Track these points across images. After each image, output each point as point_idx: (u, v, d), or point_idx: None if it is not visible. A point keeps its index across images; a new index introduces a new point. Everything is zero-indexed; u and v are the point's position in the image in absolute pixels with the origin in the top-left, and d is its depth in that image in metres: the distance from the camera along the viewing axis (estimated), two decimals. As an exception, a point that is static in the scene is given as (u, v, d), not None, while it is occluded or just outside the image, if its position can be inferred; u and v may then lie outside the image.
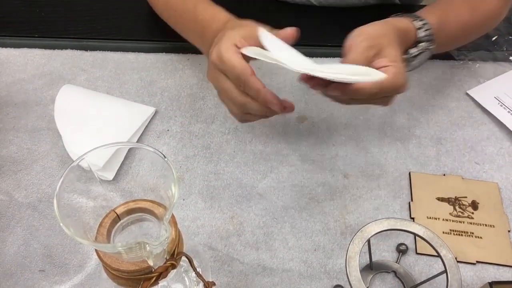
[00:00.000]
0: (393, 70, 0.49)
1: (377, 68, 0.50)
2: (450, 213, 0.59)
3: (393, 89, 0.50)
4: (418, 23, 0.57)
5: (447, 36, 0.62)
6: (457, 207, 0.60)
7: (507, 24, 0.74)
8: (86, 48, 0.77)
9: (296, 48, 0.49)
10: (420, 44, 0.57)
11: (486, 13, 0.65)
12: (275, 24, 0.53)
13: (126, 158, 0.62)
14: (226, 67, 0.50)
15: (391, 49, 0.51)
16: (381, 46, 0.51)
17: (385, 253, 0.56)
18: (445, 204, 0.60)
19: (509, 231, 0.58)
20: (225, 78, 0.51)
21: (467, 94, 0.71)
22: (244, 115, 0.54)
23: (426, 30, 0.57)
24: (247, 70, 0.49)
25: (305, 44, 0.76)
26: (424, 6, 0.85)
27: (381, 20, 0.56)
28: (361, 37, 0.51)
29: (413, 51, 0.57)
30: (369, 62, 0.50)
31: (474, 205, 0.60)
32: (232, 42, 0.50)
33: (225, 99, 0.54)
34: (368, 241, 0.48)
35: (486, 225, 0.58)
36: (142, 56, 0.77)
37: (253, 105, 0.51)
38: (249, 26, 0.52)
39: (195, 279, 0.45)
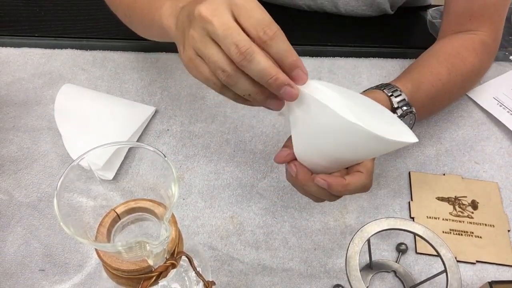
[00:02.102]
0: (364, 174, 0.47)
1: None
2: (450, 213, 0.59)
3: (358, 191, 0.48)
4: (388, 91, 0.55)
5: (426, 97, 0.60)
6: (457, 207, 0.60)
7: (507, 24, 0.74)
8: (86, 48, 0.77)
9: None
10: (397, 111, 0.55)
11: (465, 73, 0.64)
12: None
13: (126, 157, 0.62)
14: (249, 4, 0.40)
15: None
16: None
17: (385, 253, 0.56)
18: (445, 204, 0.60)
19: (508, 230, 0.58)
20: (233, 18, 0.40)
21: (466, 95, 0.71)
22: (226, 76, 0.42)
23: (398, 96, 0.55)
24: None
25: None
26: (429, 6, 0.86)
27: None
28: None
29: None
30: None
31: (474, 204, 0.60)
32: None
33: (208, 46, 0.41)
34: (368, 240, 0.48)
35: (486, 224, 0.58)
36: (142, 56, 0.77)
37: (258, 64, 0.40)
38: None
39: (195, 278, 0.45)
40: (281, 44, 0.40)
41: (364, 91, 0.58)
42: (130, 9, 0.63)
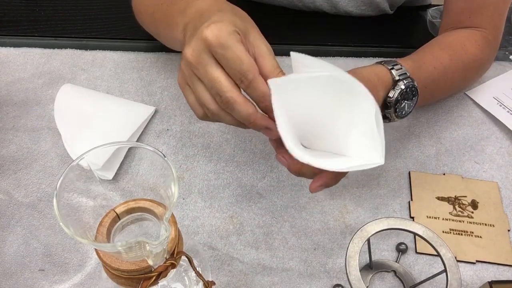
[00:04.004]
0: None
1: None
2: (449, 213, 0.59)
3: None
4: (389, 65, 0.56)
5: (427, 78, 0.60)
6: (456, 207, 0.60)
7: (507, 24, 0.74)
8: (86, 48, 0.77)
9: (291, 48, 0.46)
10: (399, 82, 0.55)
11: (467, 61, 0.64)
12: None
13: (126, 157, 0.62)
14: (228, 54, 0.42)
15: None
16: None
17: (385, 253, 0.56)
18: (445, 204, 0.60)
19: (508, 230, 0.58)
20: (216, 66, 0.43)
21: (466, 95, 0.71)
22: (212, 115, 0.47)
23: (399, 69, 0.55)
24: (255, 66, 0.43)
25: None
26: (429, 6, 0.86)
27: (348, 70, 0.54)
28: None
29: (393, 93, 0.55)
30: None
31: (474, 204, 0.60)
32: (233, 27, 0.43)
33: (197, 86, 0.45)
34: (368, 240, 0.48)
35: (486, 224, 0.58)
36: (142, 56, 0.77)
37: (239, 113, 0.44)
38: (245, 18, 0.47)
39: (195, 278, 0.45)
40: (255, 91, 0.44)
41: (363, 67, 0.57)
42: (153, 27, 0.67)
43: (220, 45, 0.42)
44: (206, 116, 0.48)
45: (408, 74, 0.56)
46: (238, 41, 0.43)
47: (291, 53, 0.42)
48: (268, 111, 0.45)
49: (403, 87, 0.55)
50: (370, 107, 0.41)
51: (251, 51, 0.45)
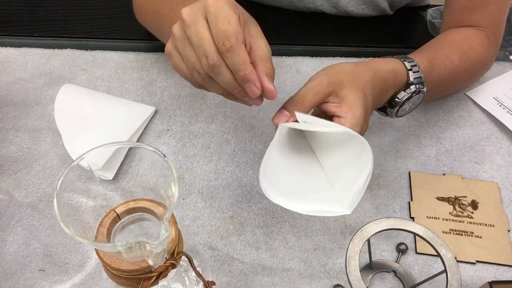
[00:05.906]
0: (349, 122, 0.48)
1: (331, 115, 0.49)
2: (450, 213, 0.59)
3: None
4: (409, 64, 0.56)
5: (438, 79, 0.60)
6: (457, 207, 0.60)
7: (507, 24, 0.74)
8: (86, 48, 0.77)
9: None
10: (411, 86, 0.55)
11: (474, 61, 0.65)
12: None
13: (126, 157, 0.62)
14: (219, 14, 0.42)
15: (349, 91, 0.48)
16: (340, 85, 0.48)
17: (385, 253, 0.56)
18: (445, 204, 0.60)
19: (508, 230, 0.58)
20: (206, 27, 0.43)
21: (466, 95, 0.71)
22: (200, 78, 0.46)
23: (416, 72, 0.55)
24: (241, 34, 0.43)
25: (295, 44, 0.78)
26: (429, 6, 0.86)
27: (362, 61, 0.54)
28: (324, 70, 0.50)
29: (402, 95, 0.55)
30: (323, 97, 0.49)
31: (474, 204, 0.60)
32: (235, 7, 0.44)
33: (187, 48, 0.45)
34: (368, 240, 0.48)
35: (486, 224, 0.58)
36: (142, 56, 0.77)
37: (224, 77, 0.44)
38: (251, 18, 0.49)
39: (195, 278, 0.46)
40: (235, 57, 0.42)
41: (385, 61, 0.56)
42: (157, 25, 0.67)
43: (216, 7, 0.42)
44: (199, 84, 0.47)
45: (422, 79, 0.56)
46: (234, 12, 0.43)
47: (296, 113, 0.47)
48: (245, 82, 0.44)
49: (413, 90, 0.55)
50: (368, 168, 0.47)
51: (248, 40, 0.45)
